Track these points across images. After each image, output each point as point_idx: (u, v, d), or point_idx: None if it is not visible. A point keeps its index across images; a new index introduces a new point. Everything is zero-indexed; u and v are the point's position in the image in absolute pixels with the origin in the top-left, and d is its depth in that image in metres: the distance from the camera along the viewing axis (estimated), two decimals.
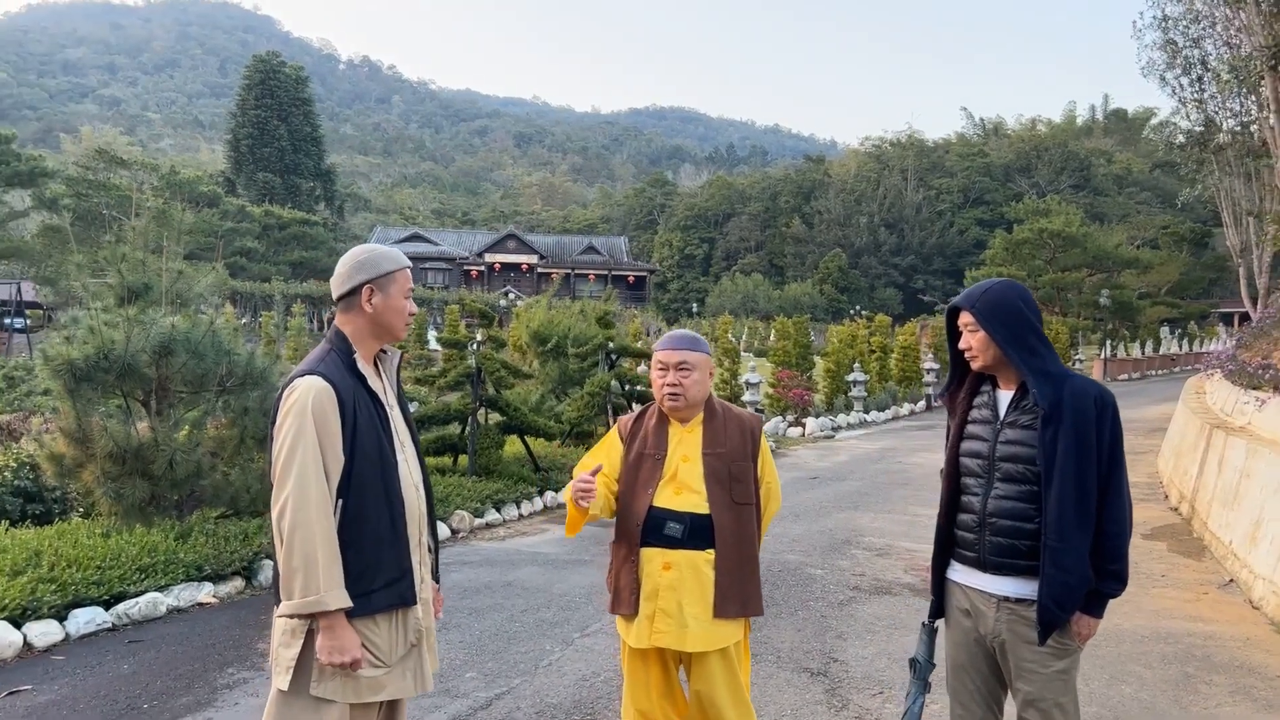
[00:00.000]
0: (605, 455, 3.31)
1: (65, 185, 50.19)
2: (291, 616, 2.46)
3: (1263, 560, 6.37)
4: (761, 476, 3.25)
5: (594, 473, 3.06)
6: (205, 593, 6.36)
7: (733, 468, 3.16)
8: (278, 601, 2.49)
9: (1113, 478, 2.74)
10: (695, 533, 3.08)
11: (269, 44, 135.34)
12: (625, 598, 3.13)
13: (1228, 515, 7.58)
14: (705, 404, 3.25)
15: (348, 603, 2.44)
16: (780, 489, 3.40)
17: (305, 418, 2.46)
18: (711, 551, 3.08)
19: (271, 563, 5.82)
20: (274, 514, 2.46)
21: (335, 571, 2.43)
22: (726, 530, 3.10)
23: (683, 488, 3.12)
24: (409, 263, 2.76)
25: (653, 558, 3.09)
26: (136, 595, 5.98)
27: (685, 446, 3.18)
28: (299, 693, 2.48)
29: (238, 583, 6.61)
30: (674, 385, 3.16)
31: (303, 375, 2.54)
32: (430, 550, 2.81)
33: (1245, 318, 25.88)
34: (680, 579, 3.06)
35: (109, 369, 6.82)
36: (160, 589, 6.13)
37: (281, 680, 2.49)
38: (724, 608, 3.07)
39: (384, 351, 2.77)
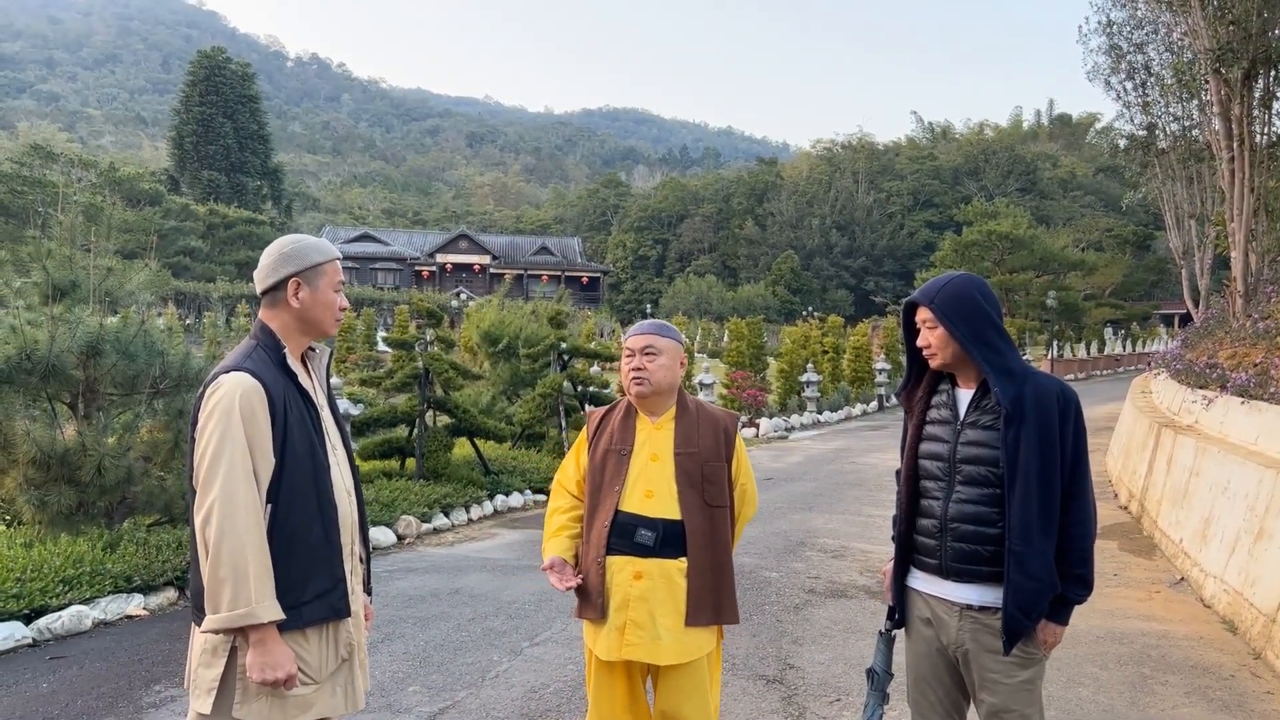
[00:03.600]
0: (576, 459, 3.17)
1: None
2: (217, 632, 2.27)
3: (1213, 559, 6.39)
4: (736, 478, 3.09)
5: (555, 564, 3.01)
6: (135, 605, 6.06)
7: (705, 468, 3.00)
8: (198, 618, 2.30)
9: (1076, 478, 2.64)
10: (668, 540, 2.92)
11: (214, 40, 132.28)
12: (594, 601, 2.95)
13: (1177, 514, 7.62)
14: (677, 400, 3.10)
15: (281, 615, 2.26)
16: (757, 491, 3.25)
17: (232, 416, 2.27)
18: (684, 559, 2.93)
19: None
20: (197, 521, 2.26)
21: (267, 581, 2.25)
22: (699, 535, 2.94)
23: (653, 490, 2.96)
24: (338, 254, 2.56)
25: (622, 566, 2.92)
26: (59, 609, 5.67)
27: (654, 444, 3.03)
28: (221, 715, 2.29)
29: (170, 593, 6.32)
30: (639, 369, 3.02)
31: (228, 371, 2.34)
32: (362, 560, 2.63)
33: (1186, 319, 26.46)
34: (652, 589, 2.90)
35: (32, 370, 6.47)
36: (85, 601, 5.82)
37: (203, 703, 2.31)
38: (696, 615, 2.91)
39: (312, 349, 2.58)
